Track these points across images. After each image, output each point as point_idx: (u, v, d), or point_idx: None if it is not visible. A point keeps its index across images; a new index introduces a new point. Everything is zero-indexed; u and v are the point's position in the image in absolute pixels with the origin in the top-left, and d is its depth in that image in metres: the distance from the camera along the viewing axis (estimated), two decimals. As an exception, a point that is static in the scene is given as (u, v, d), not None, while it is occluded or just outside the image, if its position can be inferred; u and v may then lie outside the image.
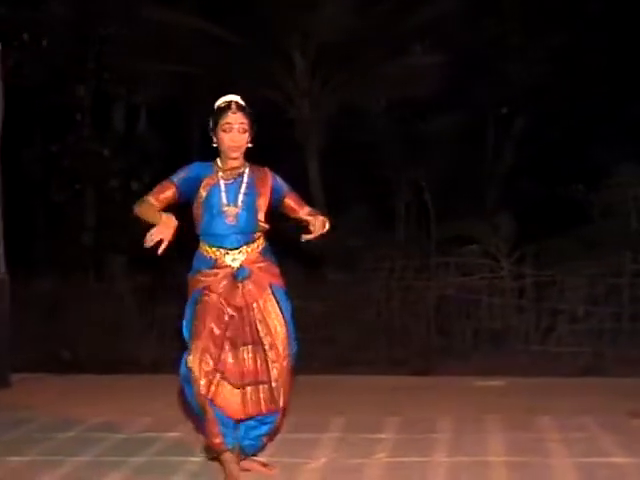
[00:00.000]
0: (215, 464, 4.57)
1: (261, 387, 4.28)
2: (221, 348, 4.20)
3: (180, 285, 9.49)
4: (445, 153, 12.38)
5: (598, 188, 9.64)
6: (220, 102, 4.34)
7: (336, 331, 8.71)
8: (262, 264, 4.32)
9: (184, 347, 4.29)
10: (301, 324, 8.33)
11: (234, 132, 4.27)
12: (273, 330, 4.28)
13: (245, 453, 4.44)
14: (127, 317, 9.40)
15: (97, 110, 11.99)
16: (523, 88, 13.05)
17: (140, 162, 11.48)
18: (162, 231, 4.08)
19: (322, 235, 4.37)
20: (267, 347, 4.27)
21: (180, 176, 4.34)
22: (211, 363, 4.15)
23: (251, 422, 4.36)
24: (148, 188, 12.65)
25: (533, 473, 4.37)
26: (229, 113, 4.27)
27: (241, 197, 4.29)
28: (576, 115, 12.53)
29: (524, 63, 13.12)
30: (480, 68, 12.54)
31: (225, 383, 4.22)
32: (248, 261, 4.28)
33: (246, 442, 4.41)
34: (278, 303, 4.33)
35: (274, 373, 4.26)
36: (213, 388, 4.17)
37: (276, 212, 4.48)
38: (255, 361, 4.27)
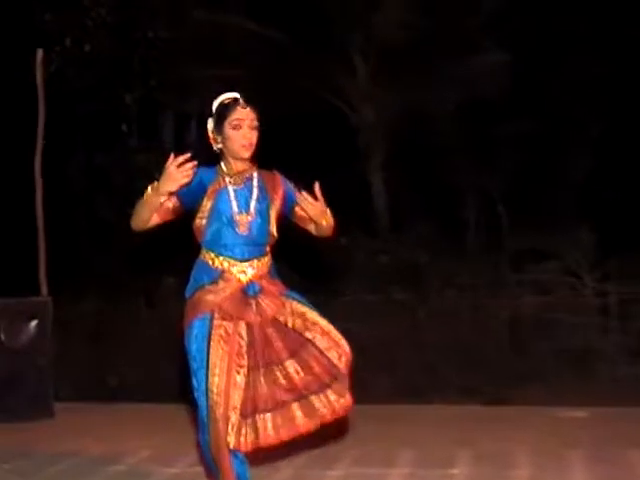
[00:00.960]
0: None
1: (295, 404, 4.07)
2: (242, 376, 4.06)
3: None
4: (519, 159, 12.23)
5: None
6: (222, 99, 4.19)
7: (401, 356, 8.63)
8: (271, 280, 4.18)
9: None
10: (363, 348, 8.35)
11: (245, 129, 4.11)
12: (312, 322, 4.12)
13: None
14: (177, 343, 9.43)
15: (145, 120, 12.05)
16: (601, 86, 12.84)
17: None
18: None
19: (314, 211, 4.17)
20: (319, 337, 4.09)
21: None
22: (237, 411, 4.01)
23: None
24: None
25: (625, 515, 4.25)
26: (238, 108, 4.12)
27: (253, 204, 4.14)
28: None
29: (601, 58, 12.91)
30: (554, 65, 12.37)
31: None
32: (257, 276, 4.13)
33: None
34: (300, 302, 4.18)
35: (334, 355, 4.07)
36: (242, 439, 4.02)
37: (288, 222, 4.35)
38: (279, 382, 4.07)
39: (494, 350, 8.60)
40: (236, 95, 4.20)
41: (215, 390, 4.00)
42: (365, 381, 8.06)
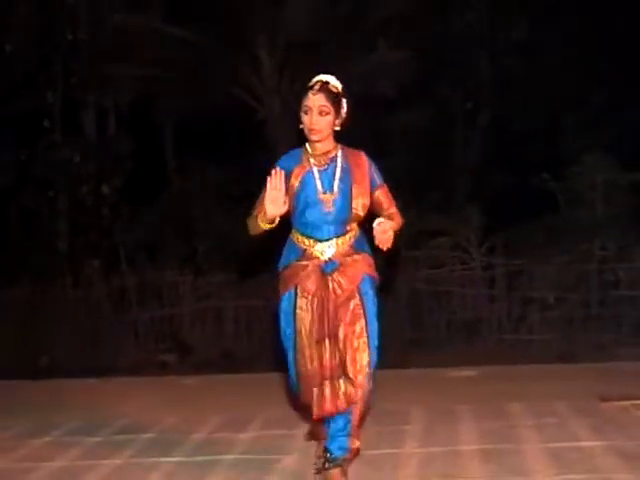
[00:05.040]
0: (190, 464, 4.64)
1: (338, 382, 4.05)
2: (321, 345, 4.05)
3: (155, 287, 9.53)
4: (413, 147, 12.38)
5: (565, 176, 9.68)
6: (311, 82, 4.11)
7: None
8: (352, 257, 4.08)
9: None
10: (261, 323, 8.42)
11: (313, 114, 4.01)
12: (349, 322, 4.05)
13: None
14: (104, 322, 9.38)
15: (67, 115, 11.87)
16: (488, 80, 13.10)
17: (111, 166, 11.41)
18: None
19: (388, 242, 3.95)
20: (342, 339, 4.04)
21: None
22: (314, 365, 4.05)
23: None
24: (119, 191, 12.47)
25: (504, 460, 4.38)
26: (309, 94, 4.04)
27: (337, 183, 4.07)
28: (542, 105, 12.57)
29: (488, 56, 13.16)
30: (445, 62, 12.55)
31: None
32: (338, 254, 4.07)
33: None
34: (362, 300, 4.08)
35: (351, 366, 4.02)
36: (320, 406, 4.05)
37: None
38: (340, 354, 4.05)
39: (393, 320, 8.72)
40: (321, 78, 4.09)
41: (304, 360, 4.05)
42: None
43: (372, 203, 4.15)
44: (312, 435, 4.51)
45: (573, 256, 8.68)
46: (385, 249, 3.96)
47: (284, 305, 4.13)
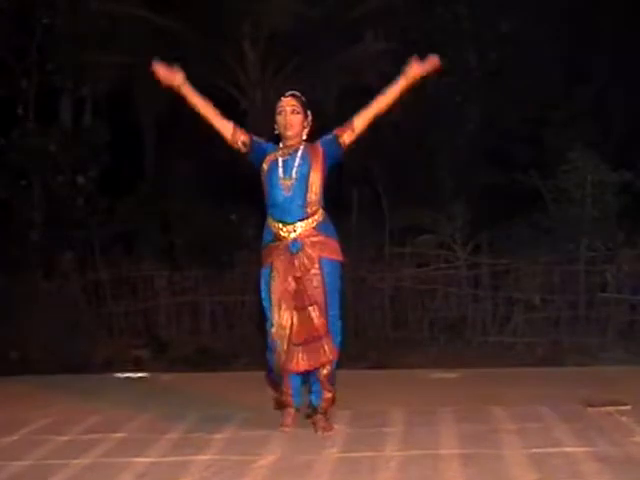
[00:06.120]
0: (162, 464, 4.58)
1: (313, 345, 4.90)
2: (288, 314, 4.88)
3: (130, 280, 9.46)
4: (399, 141, 12.35)
5: (552, 174, 9.68)
6: None
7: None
8: (315, 238, 4.88)
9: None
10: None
11: (287, 113, 4.92)
12: (314, 299, 4.88)
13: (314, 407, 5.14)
14: (78, 315, 9.30)
15: (42, 103, 11.76)
16: (476, 75, 13.09)
17: (87, 156, 11.31)
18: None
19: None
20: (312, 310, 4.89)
21: (256, 138, 5.04)
22: (286, 332, 4.89)
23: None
24: (95, 182, 12.41)
25: (485, 465, 4.34)
26: (282, 99, 5.00)
27: (295, 170, 4.89)
28: (530, 102, 12.58)
29: (476, 49, 13.16)
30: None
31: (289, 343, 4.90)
32: (302, 235, 4.86)
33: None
34: (323, 277, 4.88)
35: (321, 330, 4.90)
36: (294, 362, 4.91)
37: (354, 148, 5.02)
38: (310, 321, 4.87)
39: (376, 319, 8.72)
40: (291, 92, 5.07)
41: (276, 326, 4.93)
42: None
43: (347, 143, 5.00)
44: (278, 404, 5.23)
45: (560, 256, 8.67)
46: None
47: (264, 276, 4.98)
